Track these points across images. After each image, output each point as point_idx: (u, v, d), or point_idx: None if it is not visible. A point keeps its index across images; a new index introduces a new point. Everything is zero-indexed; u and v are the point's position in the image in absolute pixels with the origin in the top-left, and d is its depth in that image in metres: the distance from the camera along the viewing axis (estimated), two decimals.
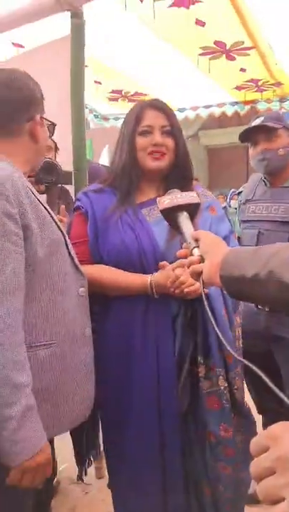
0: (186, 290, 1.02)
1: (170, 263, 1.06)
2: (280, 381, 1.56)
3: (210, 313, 0.68)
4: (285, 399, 0.43)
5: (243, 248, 0.85)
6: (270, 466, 0.37)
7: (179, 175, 1.19)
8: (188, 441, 1.13)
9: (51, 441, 1.28)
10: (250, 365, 0.51)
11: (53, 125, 1.11)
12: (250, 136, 1.60)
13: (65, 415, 0.97)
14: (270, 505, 0.35)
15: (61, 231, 0.99)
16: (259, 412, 1.70)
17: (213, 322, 0.66)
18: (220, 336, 0.64)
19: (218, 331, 0.64)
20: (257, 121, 1.58)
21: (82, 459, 1.27)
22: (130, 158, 1.17)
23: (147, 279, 1.08)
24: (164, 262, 1.06)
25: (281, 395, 0.43)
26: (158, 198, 0.96)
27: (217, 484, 1.10)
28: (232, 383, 1.10)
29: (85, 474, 1.29)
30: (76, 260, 1.04)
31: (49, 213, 0.98)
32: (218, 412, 1.08)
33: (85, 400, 1.03)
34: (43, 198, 1.09)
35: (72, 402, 0.98)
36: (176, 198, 0.91)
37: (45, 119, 1.06)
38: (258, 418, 1.66)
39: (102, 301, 1.16)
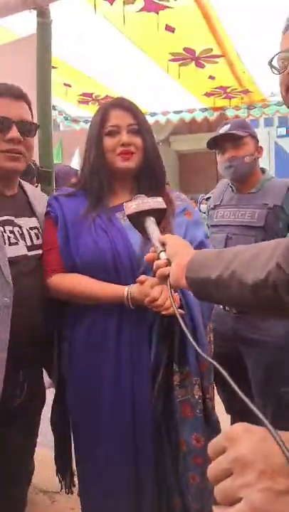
0: (163, 313, 1.00)
1: (144, 267, 1.04)
2: (248, 381, 1.58)
3: (184, 326, 0.67)
4: (249, 403, 0.42)
5: (208, 250, 0.86)
6: (227, 468, 0.36)
7: (150, 175, 1.17)
8: (160, 452, 1.12)
9: (32, 451, 1.27)
10: (220, 368, 0.51)
11: (35, 125, 1.11)
12: (217, 143, 1.62)
13: None
14: (228, 506, 0.35)
15: None
16: (228, 412, 1.72)
17: (187, 333, 0.65)
18: (196, 347, 0.63)
19: (193, 342, 0.63)
20: (224, 129, 1.61)
21: (64, 470, 1.26)
22: (99, 160, 1.14)
23: (124, 291, 1.05)
24: (143, 277, 1.03)
25: (245, 399, 0.43)
26: (124, 203, 0.95)
27: (186, 494, 1.09)
28: (205, 392, 1.10)
29: (73, 485, 1.28)
30: (5, 269, 1.00)
31: None
32: (192, 421, 1.07)
33: None
34: None
35: None
36: (142, 203, 0.91)
37: (25, 120, 1.06)
38: (227, 418, 1.68)
39: (74, 309, 1.12)
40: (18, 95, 1.07)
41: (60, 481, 1.28)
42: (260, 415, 0.39)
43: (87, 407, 1.11)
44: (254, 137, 1.63)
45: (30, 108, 1.12)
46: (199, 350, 0.61)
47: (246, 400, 0.42)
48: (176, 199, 1.21)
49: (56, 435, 1.24)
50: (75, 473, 1.26)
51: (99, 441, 1.10)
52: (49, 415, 1.23)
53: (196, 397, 1.07)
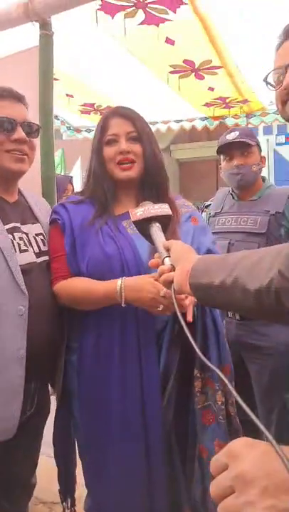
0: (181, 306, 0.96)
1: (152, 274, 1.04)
2: (251, 388, 1.57)
3: (186, 330, 0.67)
4: (250, 413, 0.42)
5: (211, 256, 0.86)
6: (229, 485, 0.35)
7: (153, 182, 1.16)
8: (170, 461, 1.09)
9: (35, 464, 1.25)
10: (223, 376, 0.51)
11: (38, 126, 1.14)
12: (224, 149, 1.65)
13: None
14: None
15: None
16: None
17: (191, 338, 0.65)
18: (200, 354, 0.62)
19: (195, 347, 0.63)
20: (232, 135, 1.63)
21: (68, 489, 1.23)
22: (100, 169, 1.15)
23: (117, 281, 1.02)
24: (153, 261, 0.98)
25: (246, 408, 0.42)
26: (130, 210, 0.96)
27: (198, 505, 1.05)
28: (228, 398, 1.07)
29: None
30: (18, 277, 1.00)
31: None
32: (213, 427, 1.04)
33: (4, 422, 0.99)
34: None
35: None
36: (148, 209, 0.93)
37: (29, 121, 1.09)
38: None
39: (81, 320, 1.11)
40: (19, 98, 1.10)
41: (62, 502, 1.24)
42: (263, 428, 0.38)
43: (97, 419, 1.08)
44: (259, 147, 1.67)
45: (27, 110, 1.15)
46: (202, 357, 0.61)
47: (250, 412, 0.41)
48: (181, 206, 1.21)
49: (59, 451, 1.20)
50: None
51: (110, 456, 1.07)
52: (50, 424, 1.21)
53: (219, 403, 1.05)
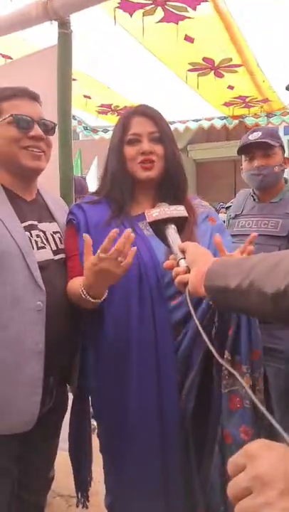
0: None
1: (169, 277, 1.01)
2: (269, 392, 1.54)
3: (198, 324, 0.66)
4: (267, 414, 0.41)
5: (228, 259, 0.85)
6: (247, 486, 0.35)
7: (172, 183, 1.15)
8: (186, 454, 1.07)
9: (53, 458, 1.28)
10: (239, 377, 0.50)
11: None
12: (246, 149, 1.61)
13: (2, 421, 0.99)
14: None
15: (17, 243, 1.01)
16: None
17: (203, 334, 0.64)
18: (209, 345, 0.62)
19: (204, 335, 0.62)
20: (254, 135, 1.60)
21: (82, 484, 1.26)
22: (119, 169, 1.13)
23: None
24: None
25: (263, 409, 0.42)
26: (146, 211, 0.96)
27: (213, 497, 1.03)
28: (255, 383, 1.04)
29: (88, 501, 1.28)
30: (36, 274, 1.02)
31: (3, 223, 1.00)
32: (240, 412, 1.01)
33: (24, 414, 1.02)
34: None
35: (9, 412, 1.00)
36: (164, 211, 0.93)
37: (45, 119, 1.10)
38: None
39: (93, 314, 1.09)
40: (34, 97, 1.12)
41: (77, 496, 1.26)
42: (281, 430, 0.38)
43: (114, 414, 1.08)
44: (282, 148, 1.62)
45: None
46: (219, 359, 0.60)
47: (267, 413, 0.42)
48: (198, 206, 1.19)
49: (74, 444, 1.22)
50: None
51: (128, 450, 1.07)
52: (67, 420, 1.23)
53: (247, 387, 1.01)
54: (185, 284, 0.80)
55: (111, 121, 3.21)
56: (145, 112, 1.13)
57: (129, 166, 1.12)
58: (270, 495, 0.33)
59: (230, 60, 2.21)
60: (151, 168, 1.11)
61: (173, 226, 0.91)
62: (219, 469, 1.03)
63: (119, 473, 1.10)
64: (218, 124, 3.15)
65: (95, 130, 3.51)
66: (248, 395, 1.02)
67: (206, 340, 0.66)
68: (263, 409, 0.43)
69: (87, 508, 1.29)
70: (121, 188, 1.14)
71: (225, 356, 1.03)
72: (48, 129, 1.12)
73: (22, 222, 1.07)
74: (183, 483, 1.07)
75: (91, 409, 1.22)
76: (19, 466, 1.12)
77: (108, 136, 3.19)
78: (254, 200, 1.67)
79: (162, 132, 1.12)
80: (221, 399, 1.03)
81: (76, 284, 1.04)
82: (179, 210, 0.94)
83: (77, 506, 1.28)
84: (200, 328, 0.69)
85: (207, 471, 1.06)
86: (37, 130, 1.07)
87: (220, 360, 0.64)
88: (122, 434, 1.07)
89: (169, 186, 1.14)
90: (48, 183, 1.31)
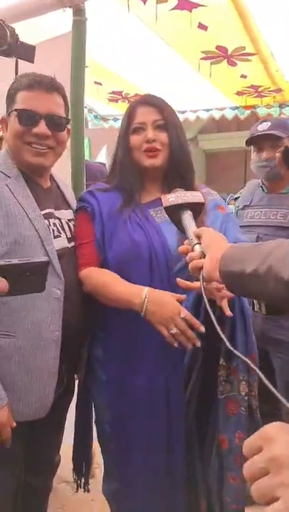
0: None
1: (181, 264, 1.04)
2: (275, 381, 1.57)
3: (213, 316, 0.66)
4: (285, 401, 0.42)
5: (243, 244, 0.84)
6: (263, 467, 0.36)
7: (178, 171, 1.15)
8: (190, 451, 1.10)
9: (59, 443, 1.30)
10: (256, 368, 0.51)
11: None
12: (255, 140, 1.60)
13: (18, 408, 1.00)
14: (265, 505, 0.35)
15: (38, 232, 1.01)
16: None
17: (217, 327, 0.65)
18: (227, 344, 0.62)
19: (226, 341, 0.62)
20: (263, 126, 1.59)
21: (80, 469, 1.29)
22: (126, 157, 1.15)
23: (142, 289, 1.00)
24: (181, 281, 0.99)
25: (281, 397, 0.43)
26: (162, 196, 0.96)
27: (224, 495, 1.06)
28: (251, 389, 1.07)
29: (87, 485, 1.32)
30: (55, 262, 1.02)
31: (24, 211, 0.99)
32: (236, 418, 1.05)
33: (40, 401, 1.03)
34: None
35: (26, 398, 1.01)
36: (180, 196, 0.92)
37: (54, 114, 1.08)
38: None
39: (105, 306, 1.11)
40: (51, 87, 1.05)
41: (75, 481, 1.31)
42: None
43: (123, 407, 1.11)
44: None
45: (65, 100, 1.11)
46: (230, 347, 0.61)
47: (281, 397, 0.42)
48: (207, 194, 1.20)
49: (77, 433, 1.26)
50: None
51: (136, 443, 1.10)
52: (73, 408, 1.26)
53: (243, 393, 1.05)
54: (200, 269, 0.80)
55: (121, 108, 3.20)
56: (149, 101, 1.15)
57: (135, 154, 1.14)
58: (286, 476, 0.34)
59: (244, 48, 2.18)
60: (156, 156, 1.11)
61: (189, 212, 0.91)
62: (216, 473, 1.06)
63: (128, 461, 1.12)
64: (230, 114, 3.12)
65: (104, 119, 3.50)
66: (244, 402, 1.04)
67: (216, 325, 0.65)
68: (276, 392, 0.44)
69: (88, 491, 1.33)
70: (129, 177, 1.15)
71: (220, 362, 1.04)
72: (58, 124, 1.07)
73: (41, 210, 1.06)
74: (186, 468, 1.09)
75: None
76: (26, 451, 1.13)
77: (118, 125, 3.18)
78: (263, 190, 1.67)
79: (167, 120, 1.12)
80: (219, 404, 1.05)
81: (114, 283, 1.05)
82: (196, 196, 0.93)
83: (77, 490, 1.32)
84: (211, 315, 0.68)
85: (206, 468, 1.09)
86: (41, 127, 1.03)
87: (230, 347, 0.63)
88: (131, 425, 1.09)
89: (175, 175, 1.15)
90: (60, 170, 1.32)
